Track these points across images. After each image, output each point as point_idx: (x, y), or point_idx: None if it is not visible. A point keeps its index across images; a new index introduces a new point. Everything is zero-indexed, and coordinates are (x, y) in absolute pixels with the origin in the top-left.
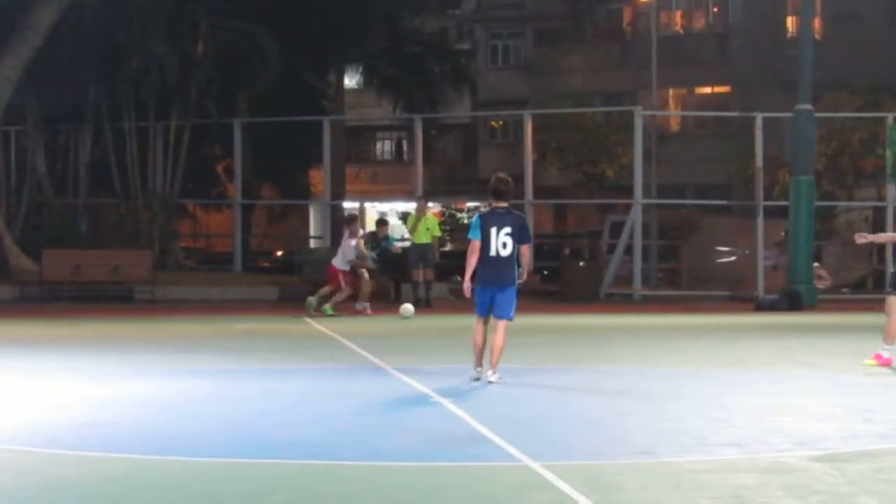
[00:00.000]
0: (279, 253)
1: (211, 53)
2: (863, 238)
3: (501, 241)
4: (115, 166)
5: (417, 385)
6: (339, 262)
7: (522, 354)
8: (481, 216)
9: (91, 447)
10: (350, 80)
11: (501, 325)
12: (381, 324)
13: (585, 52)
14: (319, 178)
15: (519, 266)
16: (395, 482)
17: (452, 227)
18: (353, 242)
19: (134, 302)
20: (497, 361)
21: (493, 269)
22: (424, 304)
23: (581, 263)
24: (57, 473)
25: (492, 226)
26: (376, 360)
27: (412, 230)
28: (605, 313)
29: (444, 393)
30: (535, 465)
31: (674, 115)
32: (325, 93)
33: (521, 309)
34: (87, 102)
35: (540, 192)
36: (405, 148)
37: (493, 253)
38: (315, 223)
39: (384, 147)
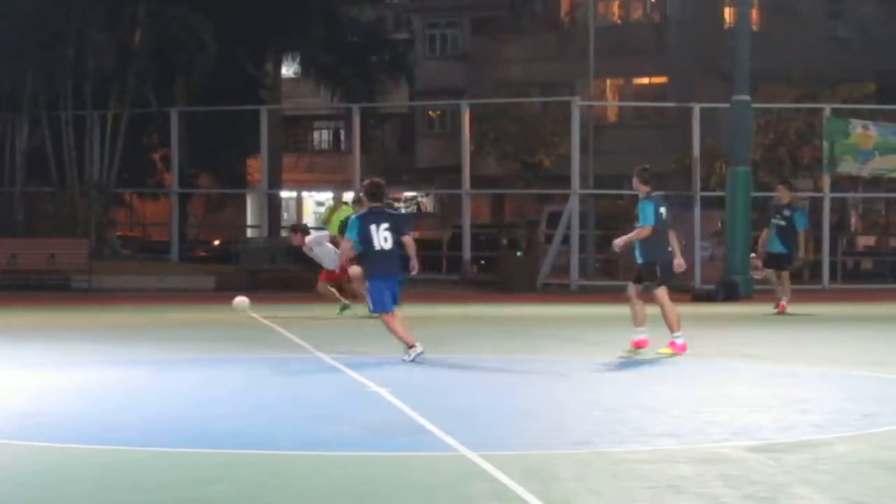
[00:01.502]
0: (216, 242)
1: (149, 41)
2: (621, 242)
3: (382, 237)
4: (52, 155)
5: (355, 375)
6: (332, 264)
7: (460, 344)
8: (359, 217)
9: (29, 437)
10: (287, 70)
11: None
12: (318, 314)
13: (523, 42)
14: (257, 167)
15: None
16: (332, 472)
17: None
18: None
19: (70, 291)
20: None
21: (386, 262)
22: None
23: (518, 253)
24: None
25: (371, 223)
26: (314, 350)
27: (325, 222)
28: (543, 303)
29: (382, 382)
30: (473, 455)
31: (611, 105)
32: (262, 82)
33: (459, 299)
34: (23, 90)
35: (477, 181)
36: (342, 137)
37: (377, 247)
38: (252, 212)
39: (321, 136)
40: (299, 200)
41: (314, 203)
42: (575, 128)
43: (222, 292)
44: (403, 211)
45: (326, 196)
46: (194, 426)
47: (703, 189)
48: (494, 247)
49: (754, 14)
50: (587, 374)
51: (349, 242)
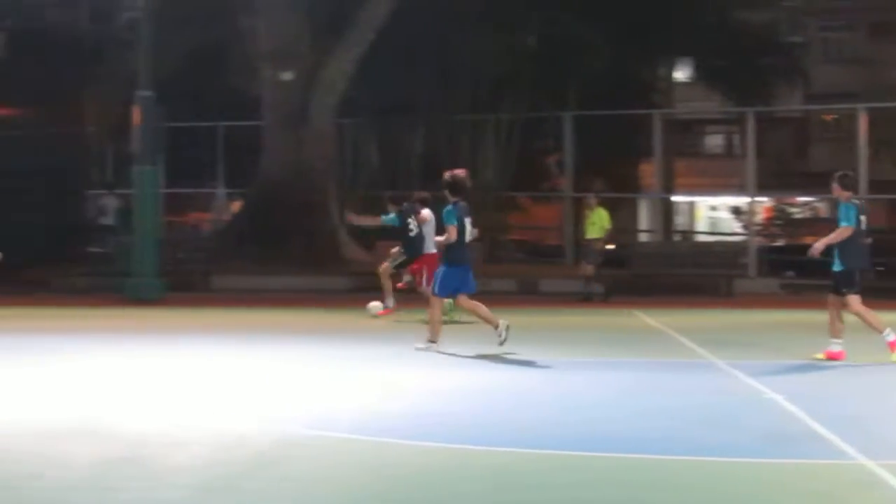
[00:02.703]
0: (610, 246)
1: (542, 46)
2: (820, 245)
3: (469, 229)
4: (447, 158)
5: (750, 381)
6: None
7: (860, 350)
8: (456, 207)
9: (424, 437)
10: (680, 74)
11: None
12: (712, 317)
13: None
14: (649, 171)
15: None
16: (726, 479)
17: (786, 222)
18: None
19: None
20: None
21: (465, 252)
22: (583, 299)
23: None
24: (390, 462)
25: (465, 216)
26: (707, 355)
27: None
28: None
29: (778, 389)
30: (871, 464)
31: None
32: (654, 86)
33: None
34: (419, 95)
35: (874, 186)
36: (735, 142)
37: (467, 238)
38: (645, 217)
39: (714, 141)
40: (692, 205)
41: (707, 207)
42: None
43: (616, 296)
44: (799, 216)
45: (720, 200)
46: (582, 429)
47: None
48: (892, 252)
49: None
50: None
51: (454, 229)
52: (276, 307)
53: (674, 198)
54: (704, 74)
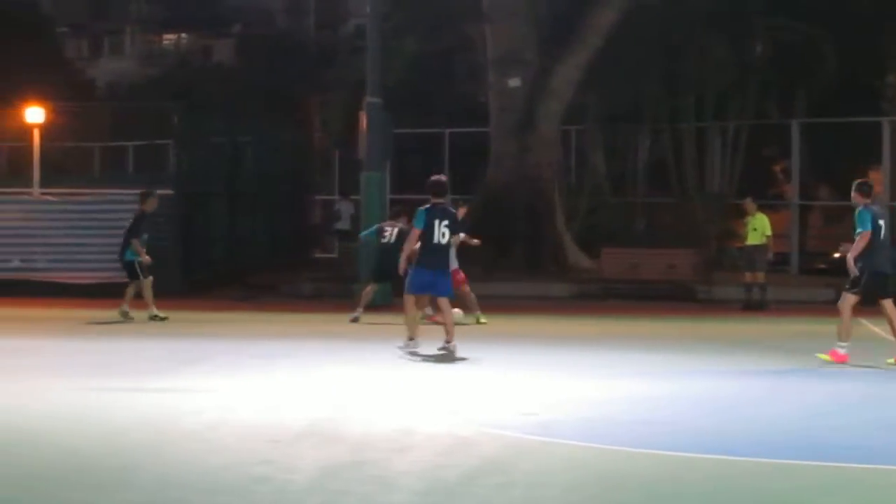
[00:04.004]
0: (836, 255)
1: (769, 54)
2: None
3: (441, 232)
4: (673, 166)
5: None
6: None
7: None
8: (426, 210)
9: (645, 444)
10: None
11: (446, 302)
12: None
13: None
14: (878, 179)
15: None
16: None
17: None
18: None
19: (689, 301)
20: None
21: (437, 255)
22: (756, 307)
23: None
24: (609, 468)
25: (435, 218)
26: None
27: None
28: None
29: None
30: None
31: None
32: (883, 93)
33: None
34: (645, 102)
35: None
36: None
37: (435, 241)
38: None
39: None
40: None
41: None
42: None
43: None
44: None
45: None
46: (807, 438)
47: None
48: None
49: None
50: None
51: (417, 232)
52: (500, 313)
53: None
54: None
